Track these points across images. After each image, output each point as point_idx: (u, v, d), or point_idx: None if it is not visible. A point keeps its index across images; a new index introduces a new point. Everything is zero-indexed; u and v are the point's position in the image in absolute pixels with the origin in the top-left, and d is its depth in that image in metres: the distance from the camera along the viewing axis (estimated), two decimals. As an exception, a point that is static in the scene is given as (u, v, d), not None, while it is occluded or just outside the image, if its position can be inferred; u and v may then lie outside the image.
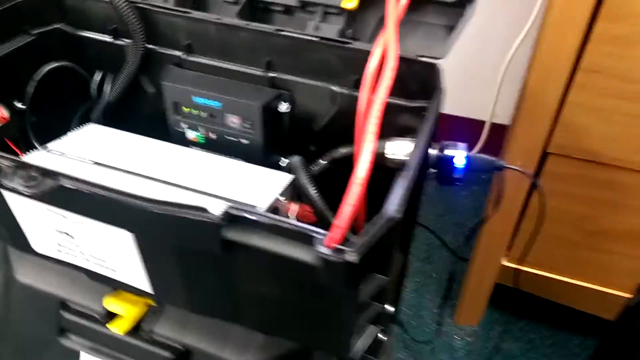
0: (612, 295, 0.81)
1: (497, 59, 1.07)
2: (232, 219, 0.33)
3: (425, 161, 0.49)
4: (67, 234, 0.43)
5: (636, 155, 0.66)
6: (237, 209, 0.33)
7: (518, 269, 0.85)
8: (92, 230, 0.40)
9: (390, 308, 0.57)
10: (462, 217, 1.18)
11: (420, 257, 1.09)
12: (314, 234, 0.31)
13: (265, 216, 0.33)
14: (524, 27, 0.94)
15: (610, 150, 0.66)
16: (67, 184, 0.35)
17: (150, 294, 0.43)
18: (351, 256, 0.30)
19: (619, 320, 0.67)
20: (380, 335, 0.59)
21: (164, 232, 0.35)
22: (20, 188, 0.35)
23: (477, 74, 1.20)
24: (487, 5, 1.18)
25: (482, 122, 1.22)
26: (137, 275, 0.42)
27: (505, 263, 0.85)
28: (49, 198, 0.37)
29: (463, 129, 1.26)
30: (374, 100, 0.44)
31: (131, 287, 0.44)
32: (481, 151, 1.26)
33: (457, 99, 1.30)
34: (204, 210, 0.33)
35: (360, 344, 0.39)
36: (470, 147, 1.28)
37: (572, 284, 0.83)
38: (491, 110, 1.15)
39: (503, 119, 1.21)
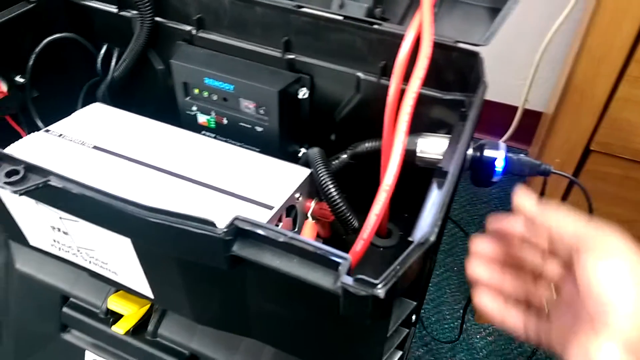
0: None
1: (533, 42, 0.99)
2: (240, 233, 0.29)
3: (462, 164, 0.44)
4: (62, 231, 0.39)
5: (691, 157, 0.59)
6: (247, 222, 0.28)
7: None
8: (87, 231, 0.36)
9: (413, 317, 0.53)
10: (487, 207, 1.12)
11: (443, 249, 1.04)
12: (338, 259, 0.27)
13: (278, 232, 0.28)
14: (563, 10, 0.86)
15: (661, 150, 0.60)
16: (55, 182, 0.31)
17: (152, 299, 0.40)
18: (379, 290, 0.25)
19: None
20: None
21: (163, 242, 0.31)
22: (2, 183, 0.31)
23: (511, 57, 1.12)
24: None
25: (514, 108, 1.14)
26: (138, 280, 0.38)
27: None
28: (36, 195, 0.32)
29: (493, 113, 1.19)
30: (405, 95, 0.38)
31: (133, 290, 0.41)
32: (512, 137, 1.19)
33: (489, 82, 1.22)
34: (209, 223, 0.28)
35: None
36: (500, 133, 1.21)
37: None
38: (524, 96, 1.07)
39: (536, 105, 1.14)
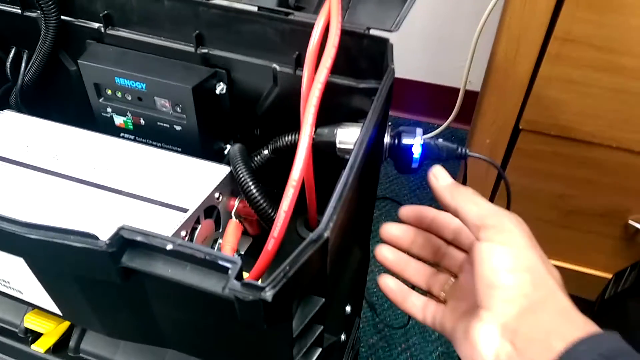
0: (588, 274, 0.78)
1: (472, 23, 1.00)
2: (127, 244, 0.27)
3: (377, 150, 0.43)
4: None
5: (613, 131, 0.61)
6: (132, 231, 0.27)
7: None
8: (-21, 250, 0.34)
9: (348, 308, 0.53)
10: (435, 190, 1.13)
11: (392, 234, 1.04)
12: (227, 264, 0.26)
13: (166, 240, 0.27)
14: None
15: (585, 126, 0.61)
16: None
17: (62, 316, 0.38)
18: (266, 293, 0.24)
19: (597, 311, 0.64)
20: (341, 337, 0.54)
21: (51, 259, 0.29)
22: None
23: (451, 40, 1.12)
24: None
25: (458, 90, 1.15)
26: (42, 298, 0.36)
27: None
28: None
29: (437, 96, 1.20)
30: (311, 86, 0.37)
31: (43, 308, 0.38)
32: (456, 119, 1.20)
33: (430, 65, 1.23)
34: (90, 236, 0.26)
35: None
36: (446, 116, 1.22)
37: (546, 262, 0.79)
38: (465, 77, 1.08)
39: (478, 86, 1.15)
